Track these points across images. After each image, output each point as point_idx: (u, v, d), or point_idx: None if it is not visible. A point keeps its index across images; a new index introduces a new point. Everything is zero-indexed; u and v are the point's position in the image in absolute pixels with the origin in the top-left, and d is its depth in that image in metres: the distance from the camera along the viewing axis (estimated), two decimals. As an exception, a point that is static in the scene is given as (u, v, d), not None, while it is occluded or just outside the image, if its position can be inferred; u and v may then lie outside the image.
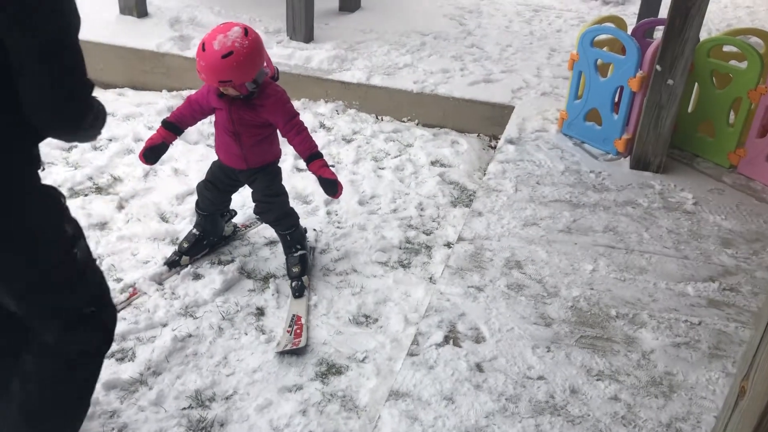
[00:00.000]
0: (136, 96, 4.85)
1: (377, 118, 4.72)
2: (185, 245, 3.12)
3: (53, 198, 1.79)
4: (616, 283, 2.88)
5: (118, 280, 3.01)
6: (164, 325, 2.78)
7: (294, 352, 2.66)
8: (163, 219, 3.48)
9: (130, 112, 4.52)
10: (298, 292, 2.95)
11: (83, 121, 1.67)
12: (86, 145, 4.04)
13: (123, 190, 3.67)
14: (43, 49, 1.52)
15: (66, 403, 1.97)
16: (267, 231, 3.31)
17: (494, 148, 4.39)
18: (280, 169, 3.00)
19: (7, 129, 1.61)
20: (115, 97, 4.80)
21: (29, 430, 1.91)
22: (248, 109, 2.70)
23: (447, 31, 5.82)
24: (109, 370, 2.52)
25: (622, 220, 3.31)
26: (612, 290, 2.83)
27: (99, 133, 1.78)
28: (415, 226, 3.53)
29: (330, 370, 2.61)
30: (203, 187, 3.06)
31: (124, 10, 5.43)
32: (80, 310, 1.86)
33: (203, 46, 2.51)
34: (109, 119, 2.09)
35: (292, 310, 2.88)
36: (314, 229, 3.40)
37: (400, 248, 3.34)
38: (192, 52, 4.81)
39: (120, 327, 2.61)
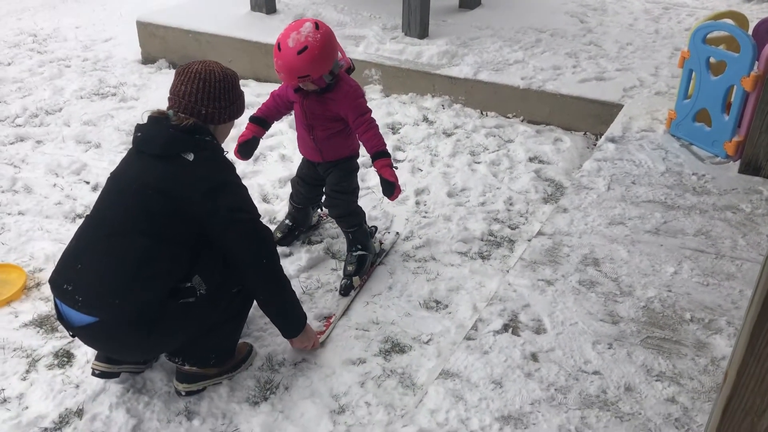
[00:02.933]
0: (258, 87, 5.20)
1: (482, 113, 4.76)
2: (278, 235, 3.30)
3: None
4: (697, 287, 2.77)
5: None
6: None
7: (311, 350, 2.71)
8: (265, 200, 3.75)
9: (249, 102, 4.80)
10: (344, 291, 3.01)
11: None
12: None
13: (233, 172, 3.97)
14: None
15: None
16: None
17: (598, 147, 4.30)
18: (357, 165, 3.08)
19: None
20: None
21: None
22: (319, 102, 2.81)
23: (565, 29, 5.72)
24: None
25: (718, 224, 3.16)
26: (691, 294, 2.73)
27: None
28: (501, 220, 3.56)
29: (394, 348, 2.72)
30: (295, 182, 3.23)
31: (255, 6, 5.83)
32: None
33: (278, 46, 2.61)
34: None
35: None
36: (402, 223, 3.52)
37: (482, 240, 3.39)
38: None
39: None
